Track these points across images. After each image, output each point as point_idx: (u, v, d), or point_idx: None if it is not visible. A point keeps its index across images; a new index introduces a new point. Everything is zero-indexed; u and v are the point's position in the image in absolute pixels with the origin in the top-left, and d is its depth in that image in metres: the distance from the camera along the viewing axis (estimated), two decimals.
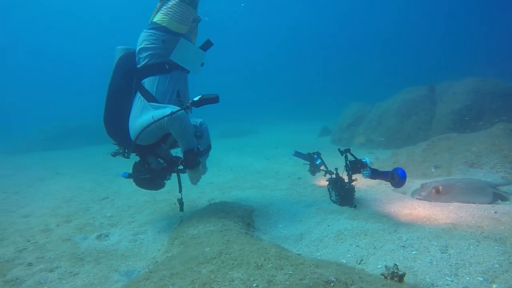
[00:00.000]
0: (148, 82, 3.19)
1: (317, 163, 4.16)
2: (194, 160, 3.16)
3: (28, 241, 3.19)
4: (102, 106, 3.30)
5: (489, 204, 3.32)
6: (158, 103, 3.11)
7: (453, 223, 2.81)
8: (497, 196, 3.49)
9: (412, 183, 4.44)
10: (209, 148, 3.72)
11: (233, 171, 6.15)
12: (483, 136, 5.41)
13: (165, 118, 2.89)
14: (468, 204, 3.33)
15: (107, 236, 3.32)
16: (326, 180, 3.83)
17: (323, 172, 4.05)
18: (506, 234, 2.45)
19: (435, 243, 2.34)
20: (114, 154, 3.38)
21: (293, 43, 44.28)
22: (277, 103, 29.74)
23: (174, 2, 3.13)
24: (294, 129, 14.19)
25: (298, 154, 4.34)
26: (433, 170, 4.71)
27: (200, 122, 3.74)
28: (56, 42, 45.40)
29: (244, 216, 3.33)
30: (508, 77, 9.59)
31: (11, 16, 41.92)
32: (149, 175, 3.22)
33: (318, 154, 4.23)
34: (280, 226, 3.23)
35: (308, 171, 4.32)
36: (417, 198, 3.71)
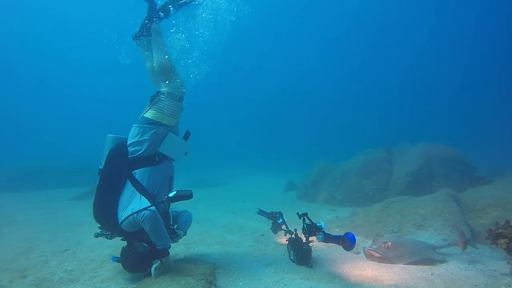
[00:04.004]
0: (139, 174, 3.48)
1: (279, 222, 4.45)
2: (155, 255, 3.40)
3: None
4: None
5: (427, 264, 3.73)
6: (148, 192, 3.41)
7: (395, 285, 3.16)
8: (436, 258, 3.89)
9: (366, 243, 4.81)
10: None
11: (199, 224, 6.24)
12: (429, 200, 6.01)
13: (139, 215, 3.18)
14: (410, 266, 3.71)
15: None
16: (286, 240, 4.11)
17: (284, 231, 4.34)
18: None
19: None
20: (97, 235, 3.55)
21: (264, 100, 46.40)
22: (249, 154, 30.43)
23: (164, 99, 3.56)
24: (263, 181, 14.54)
25: (262, 213, 4.63)
26: (386, 235, 5.16)
27: (181, 211, 4.07)
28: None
29: (206, 274, 3.47)
30: (453, 143, 10.82)
31: None
32: (137, 260, 3.41)
33: (280, 214, 4.54)
34: (240, 284, 3.39)
35: (271, 229, 4.58)
36: (368, 249, 4.05)
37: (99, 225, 3.55)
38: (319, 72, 46.70)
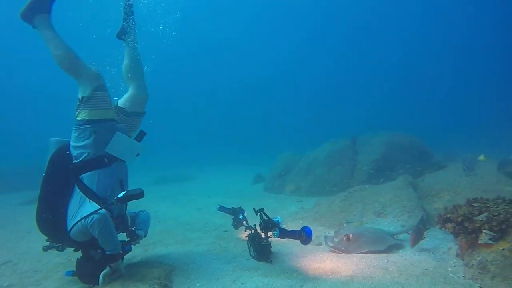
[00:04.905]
0: (88, 178, 3.20)
1: (239, 218, 4.35)
2: (106, 262, 3.17)
3: None
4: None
5: (384, 252, 3.80)
6: (99, 197, 3.16)
7: (352, 275, 3.17)
8: (393, 245, 3.98)
9: (329, 233, 4.83)
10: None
11: (161, 223, 6.01)
12: (388, 188, 6.19)
13: (87, 219, 2.94)
14: (367, 255, 3.75)
15: None
16: (246, 236, 4.02)
17: (245, 227, 4.24)
18: (388, 283, 2.88)
19: None
20: (46, 248, 3.27)
21: (231, 91, 45.99)
22: (217, 147, 30.18)
23: (88, 96, 3.24)
24: (230, 175, 14.44)
25: (222, 209, 4.51)
26: (344, 225, 5.20)
27: (139, 211, 3.88)
28: None
29: (161, 277, 3.30)
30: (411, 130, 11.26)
31: None
32: (94, 269, 3.17)
33: (241, 209, 4.45)
34: (198, 285, 3.25)
35: (232, 225, 4.48)
36: (329, 245, 4.05)
37: (47, 238, 3.27)
38: (289, 64, 46.75)
